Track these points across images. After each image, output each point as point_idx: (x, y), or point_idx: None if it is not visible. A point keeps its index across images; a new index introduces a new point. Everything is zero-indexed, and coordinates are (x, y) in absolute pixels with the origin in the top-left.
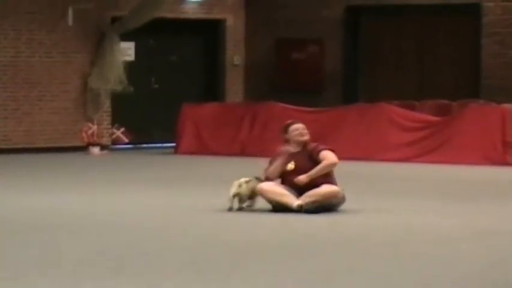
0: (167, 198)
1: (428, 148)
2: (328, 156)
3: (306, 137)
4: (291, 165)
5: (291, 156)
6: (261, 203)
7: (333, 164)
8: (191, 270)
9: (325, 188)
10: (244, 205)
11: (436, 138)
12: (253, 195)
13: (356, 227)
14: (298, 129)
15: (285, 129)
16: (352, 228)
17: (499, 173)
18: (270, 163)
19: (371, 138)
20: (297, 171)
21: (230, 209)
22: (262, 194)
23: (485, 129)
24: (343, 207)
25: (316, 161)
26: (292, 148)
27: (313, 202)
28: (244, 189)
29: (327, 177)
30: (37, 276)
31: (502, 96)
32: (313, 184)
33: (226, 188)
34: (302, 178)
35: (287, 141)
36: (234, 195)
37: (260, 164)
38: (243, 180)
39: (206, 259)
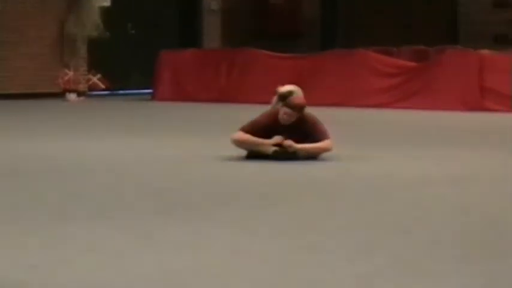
0: (145, 144)
1: (405, 94)
2: (329, 145)
3: (287, 122)
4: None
5: (282, 128)
6: (236, 150)
7: (327, 151)
8: (166, 216)
9: (312, 145)
10: None
11: (414, 84)
12: None
13: (334, 173)
14: (285, 115)
15: (281, 98)
16: (330, 174)
17: (477, 118)
18: (251, 123)
19: (349, 84)
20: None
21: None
22: (237, 143)
23: (462, 75)
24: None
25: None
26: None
27: (294, 153)
28: None
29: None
30: (13, 220)
31: (481, 42)
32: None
33: (204, 134)
34: (295, 146)
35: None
36: None
37: (239, 111)
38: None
39: (182, 205)
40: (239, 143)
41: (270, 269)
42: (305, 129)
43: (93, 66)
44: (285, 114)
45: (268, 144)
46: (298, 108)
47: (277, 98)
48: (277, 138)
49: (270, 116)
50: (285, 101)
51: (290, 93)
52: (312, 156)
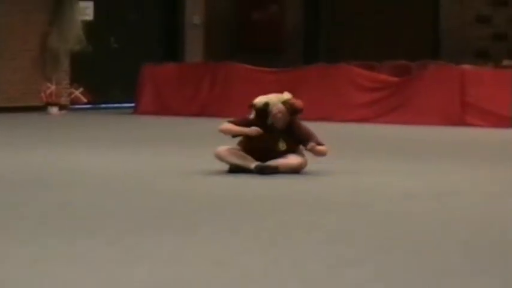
0: (127, 157)
1: (387, 108)
2: (324, 150)
3: (278, 121)
4: (282, 145)
5: (275, 132)
6: (218, 164)
7: (323, 155)
8: (147, 229)
9: (295, 161)
10: None
11: (396, 98)
12: None
13: (315, 186)
14: (278, 112)
15: (258, 113)
16: (313, 188)
17: (458, 133)
18: (239, 118)
19: (331, 99)
20: (287, 150)
21: None
22: (220, 158)
23: (444, 90)
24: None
25: (299, 143)
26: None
27: (276, 167)
28: None
29: (294, 146)
30: None
31: (462, 57)
32: (277, 152)
33: (187, 148)
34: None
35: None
36: None
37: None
38: None
39: (166, 219)
40: (225, 132)
41: (254, 282)
42: (297, 135)
43: (76, 79)
44: (279, 112)
45: (250, 132)
46: (293, 110)
47: (254, 112)
48: (256, 129)
49: (254, 121)
50: (284, 101)
51: (266, 105)
52: (295, 170)
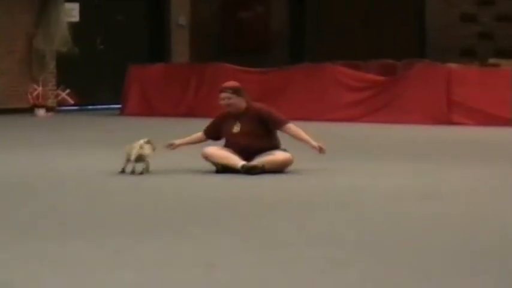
0: (113, 158)
1: (373, 108)
2: (298, 130)
3: (228, 109)
4: (236, 128)
5: (234, 118)
6: (205, 164)
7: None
8: (136, 231)
9: (281, 156)
10: (141, 168)
11: (382, 98)
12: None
13: (302, 187)
14: (224, 100)
15: (219, 92)
16: (298, 189)
17: (444, 132)
18: (212, 123)
19: (317, 98)
20: (243, 134)
21: (123, 171)
22: (207, 158)
23: (430, 89)
24: (289, 167)
25: (269, 127)
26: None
27: (264, 165)
28: (147, 150)
29: (270, 139)
30: None
31: (448, 55)
32: (257, 148)
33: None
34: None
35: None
36: (137, 158)
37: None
38: (142, 141)
39: (152, 221)
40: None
41: (243, 283)
42: (260, 117)
43: (62, 81)
44: (222, 100)
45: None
46: (235, 90)
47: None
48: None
49: (219, 115)
50: (223, 88)
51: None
52: (281, 166)
